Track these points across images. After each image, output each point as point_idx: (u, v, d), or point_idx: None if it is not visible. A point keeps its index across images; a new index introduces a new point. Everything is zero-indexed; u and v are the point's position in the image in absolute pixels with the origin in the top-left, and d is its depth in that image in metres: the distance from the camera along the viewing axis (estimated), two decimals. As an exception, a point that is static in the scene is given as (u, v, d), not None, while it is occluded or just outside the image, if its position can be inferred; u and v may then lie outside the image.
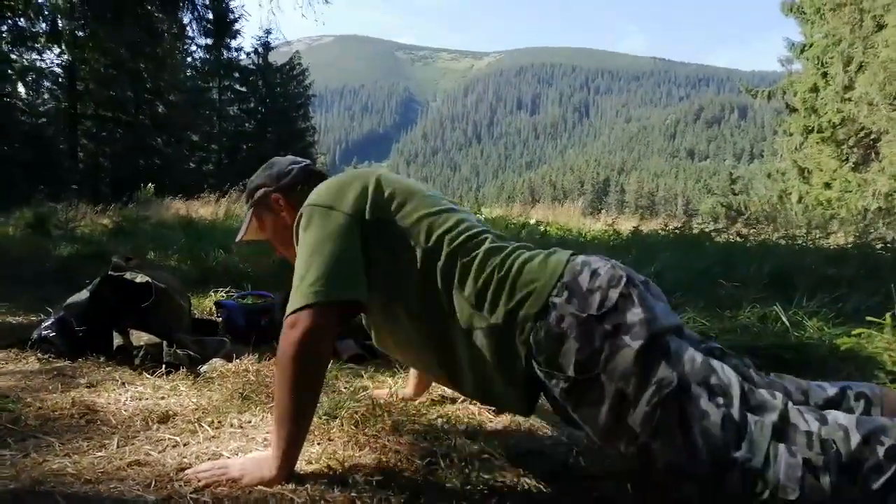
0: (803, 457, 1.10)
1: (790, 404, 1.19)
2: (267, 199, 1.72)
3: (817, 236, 7.04)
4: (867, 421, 1.14)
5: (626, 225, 11.25)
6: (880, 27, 14.30)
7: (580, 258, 1.36)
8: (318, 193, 1.48)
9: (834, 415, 1.17)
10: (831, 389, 1.30)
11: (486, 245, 1.40)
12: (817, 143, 17.52)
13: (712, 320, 3.02)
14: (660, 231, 7.96)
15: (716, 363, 1.23)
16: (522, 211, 15.21)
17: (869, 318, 2.71)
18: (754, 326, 2.92)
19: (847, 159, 16.77)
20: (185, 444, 1.59)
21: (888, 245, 5.40)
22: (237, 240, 1.86)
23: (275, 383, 1.33)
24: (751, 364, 1.35)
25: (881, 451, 1.09)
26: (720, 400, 1.17)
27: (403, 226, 1.42)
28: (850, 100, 15.81)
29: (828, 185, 17.17)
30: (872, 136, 15.55)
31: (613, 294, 1.26)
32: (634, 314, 1.24)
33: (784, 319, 2.88)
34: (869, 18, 14.81)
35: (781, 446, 1.12)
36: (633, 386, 1.19)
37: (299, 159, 1.80)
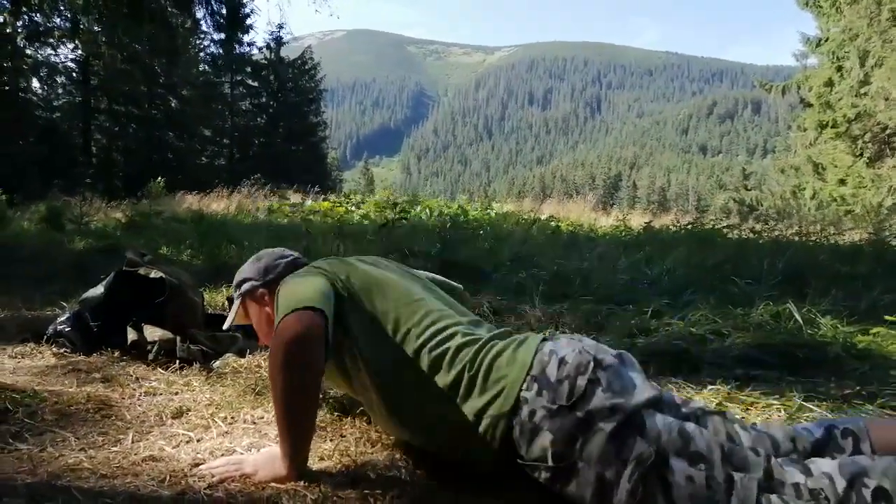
0: None
1: (773, 460, 1.22)
2: (254, 293, 1.76)
3: (831, 233, 6.98)
4: (849, 464, 1.18)
5: (638, 220, 11.21)
6: (897, 21, 14.11)
7: (548, 346, 1.39)
8: (295, 273, 1.60)
9: (818, 464, 1.21)
10: (818, 431, 1.33)
11: (457, 339, 1.42)
12: (832, 138, 17.31)
13: (725, 318, 3.00)
14: (671, 227, 7.93)
15: (693, 430, 1.26)
16: (533, 206, 15.18)
17: (888, 318, 2.69)
18: (767, 324, 2.89)
19: (862, 155, 16.56)
20: (198, 440, 1.61)
21: (904, 242, 5.34)
22: (225, 327, 1.92)
23: (271, 391, 1.35)
24: (735, 419, 1.38)
25: (867, 493, 1.14)
26: (702, 465, 1.20)
27: (373, 314, 1.48)
28: (865, 94, 15.62)
29: (842, 181, 16.97)
30: (888, 132, 15.35)
31: (581, 382, 1.28)
32: (604, 399, 1.26)
33: (797, 317, 2.85)
34: (886, 12, 14.61)
35: (774, 496, 1.16)
36: (612, 468, 1.22)
37: (287, 253, 1.84)
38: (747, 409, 1.94)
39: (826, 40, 17.69)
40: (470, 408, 1.34)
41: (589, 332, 2.89)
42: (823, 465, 1.19)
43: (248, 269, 1.81)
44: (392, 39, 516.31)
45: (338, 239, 6.48)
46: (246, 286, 1.77)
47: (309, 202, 14.01)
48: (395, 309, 1.48)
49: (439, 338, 1.43)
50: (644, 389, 1.31)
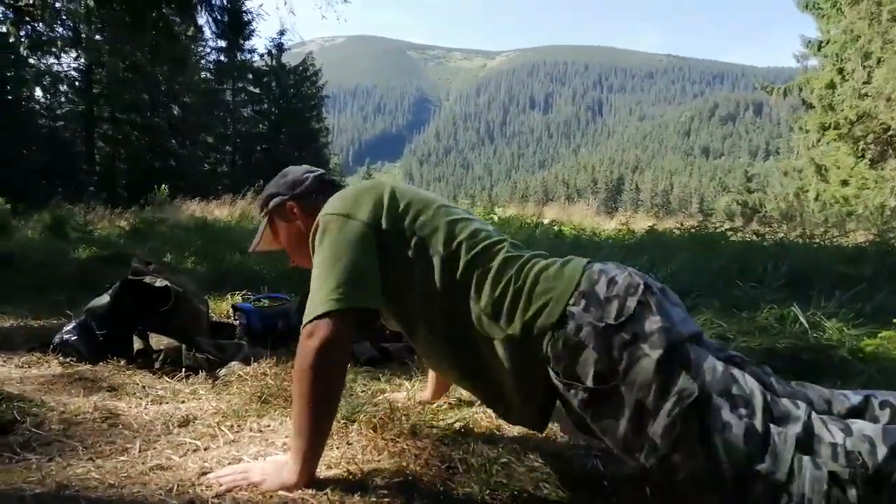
0: (829, 469, 1.08)
1: (814, 415, 1.17)
2: (282, 208, 1.71)
3: (835, 234, 6.97)
4: (894, 431, 1.11)
5: (641, 224, 11.19)
6: (898, 21, 14.11)
7: (597, 266, 1.36)
8: (334, 203, 1.48)
9: (859, 425, 1.14)
10: (855, 398, 1.26)
11: (503, 255, 1.40)
12: (834, 139, 17.29)
13: (729, 321, 3.00)
14: (675, 230, 7.92)
15: (737, 372, 1.22)
16: (536, 210, 15.18)
17: (895, 321, 2.68)
18: (772, 327, 2.89)
19: (864, 156, 16.54)
20: (205, 449, 1.61)
21: (908, 243, 5.33)
22: (250, 249, 1.86)
23: (293, 393, 1.34)
24: (771, 372, 1.33)
25: None
26: (742, 411, 1.15)
27: (421, 235, 1.42)
28: (867, 95, 15.61)
29: (845, 183, 16.95)
30: (890, 132, 15.33)
31: (631, 302, 1.25)
32: (653, 322, 1.22)
33: (802, 320, 2.85)
34: (886, 12, 14.61)
35: (806, 458, 1.10)
36: (652, 397, 1.18)
37: (314, 168, 1.80)
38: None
39: (827, 42, 17.70)
40: (517, 321, 1.31)
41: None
42: (865, 428, 1.12)
43: (273, 185, 1.76)
44: (393, 45, 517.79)
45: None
46: (274, 201, 1.72)
47: (312, 208, 14.04)
48: (446, 225, 1.43)
49: (487, 254, 1.39)
50: (689, 322, 1.28)
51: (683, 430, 1.15)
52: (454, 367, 1.47)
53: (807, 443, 1.12)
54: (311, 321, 1.31)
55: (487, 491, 1.40)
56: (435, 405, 1.95)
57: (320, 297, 1.33)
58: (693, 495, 1.18)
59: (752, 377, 1.24)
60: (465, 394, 2.04)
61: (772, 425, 1.14)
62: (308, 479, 1.34)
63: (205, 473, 1.41)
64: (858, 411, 1.24)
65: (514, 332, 1.31)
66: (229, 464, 1.49)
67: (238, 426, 1.78)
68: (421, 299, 1.42)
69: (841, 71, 16.99)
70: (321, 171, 1.80)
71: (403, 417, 1.76)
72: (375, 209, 1.44)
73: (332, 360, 1.30)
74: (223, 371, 2.33)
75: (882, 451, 1.08)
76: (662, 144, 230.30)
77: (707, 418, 1.15)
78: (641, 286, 1.28)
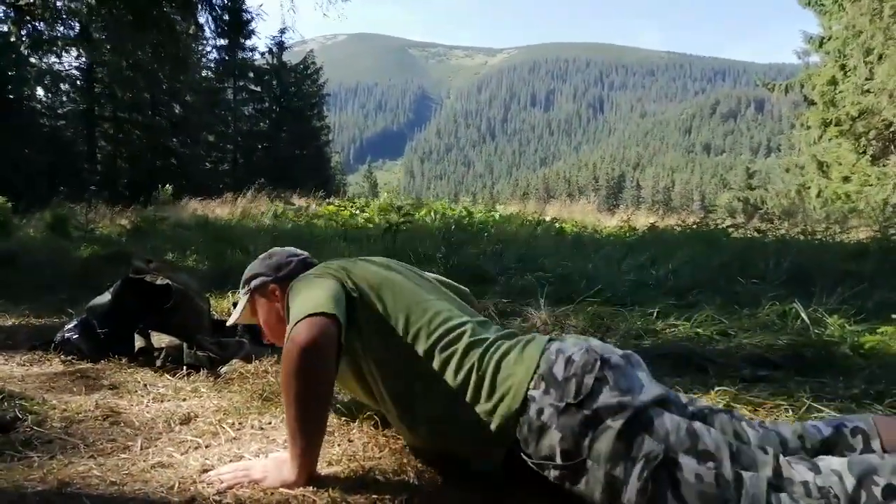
0: None
1: (781, 458, 1.22)
2: (264, 288, 1.76)
3: (837, 231, 6.96)
4: (859, 462, 1.17)
5: (642, 221, 11.19)
6: (900, 17, 14.06)
7: (555, 345, 1.40)
8: (306, 273, 1.60)
9: (826, 461, 1.20)
10: (826, 430, 1.32)
11: (465, 339, 1.44)
12: (836, 136, 17.25)
13: (731, 318, 3.00)
14: (676, 227, 7.91)
15: (700, 428, 1.26)
16: (537, 208, 15.18)
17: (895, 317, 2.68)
18: (774, 324, 2.89)
19: (866, 152, 16.51)
20: (207, 446, 1.61)
21: (910, 240, 5.31)
22: (228, 323, 1.91)
23: (283, 399, 1.35)
24: (741, 417, 1.38)
25: (877, 491, 1.13)
26: (711, 464, 1.20)
27: (384, 314, 1.49)
28: (869, 92, 15.57)
29: (846, 179, 16.90)
30: (893, 129, 15.29)
31: (589, 380, 1.29)
32: (612, 396, 1.27)
33: (804, 317, 2.85)
34: (888, 8, 14.56)
35: (783, 495, 1.15)
36: (621, 466, 1.22)
37: (298, 252, 1.85)
38: (755, 409, 1.93)
39: (829, 38, 17.65)
40: (480, 408, 1.35)
41: (595, 333, 2.88)
42: (832, 463, 1.19)
43: (258, 266, 1.81)
44: (394, 43, 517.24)
45: (343, 243, 6.50)
46: (256, 281, 1.77)
47: (313, 206, 14.06)
48: (406, 309, 1.49)
49: (448, 338, 1.44)
50: (651, 388, 1.31)
51: (655, 490, 1.19)
52: (416, 435, 1.51)
53: (778, 484, 1.17)
54: (292, 327, 1.33)
55: (489, 485, 1.40)
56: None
57: (300, 309, 1.36)
58: None
59: (719, 428, 1.30)
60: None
61: (742, 471, 1.19)
62: (308, 476, 1.35)
63: (206, 471, 1.42)
64: (832, 443, 1.30)
65: (478, 417, 1.36)
66: (231, 461, 1.49)
67: (239, 423, 1.79)
68: (382, 367, 1.48)
69: (843, 67, 16.94)
70: (305, 254, 1.85)
71: (405, 414, 1.76)
72: (342, 279, 1.53)
73: (317, 359, 1.31)
74: (225, 369, 2.33)
75: (851, 482, 1.14)
76: (664, 141, 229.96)
77: (677, 474, 1.19)
78: (598, 362, 1.32)
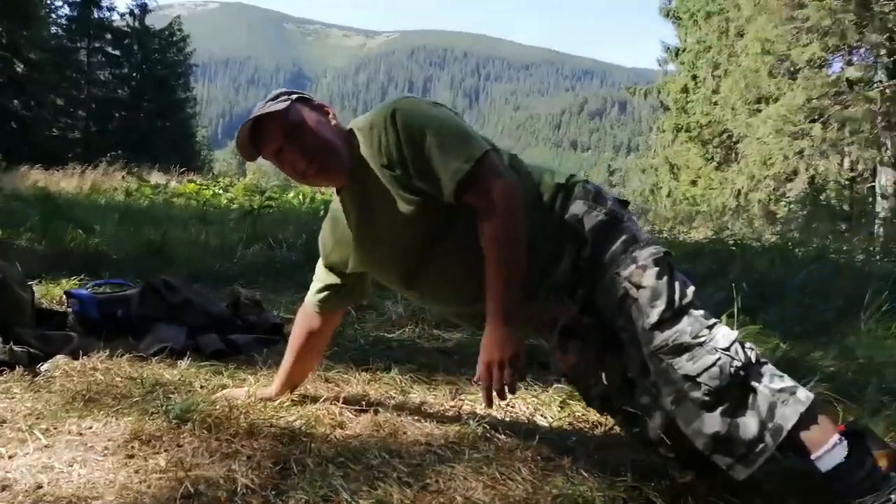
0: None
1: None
2: (310, 101, 1.61)
3: (682, 231, 7.54)
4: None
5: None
6: (742, 37, 15.44)
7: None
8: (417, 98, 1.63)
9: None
10: None
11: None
12: (686, 141, 18.76)
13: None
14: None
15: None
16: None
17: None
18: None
19: (712, 158, 18.08)
20: (10, 457, 1.45)
21: (738, 241, 5.83)
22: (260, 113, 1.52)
23: (500, 243, 1.39)
24: None
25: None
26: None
27: None
28: (716, 103, 17.01)
29: (694, 182, 18.44)
30: (734, 139, 16.82)
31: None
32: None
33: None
34: (733, 28, 15.94)
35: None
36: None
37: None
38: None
39: (683, 50, 19.10)
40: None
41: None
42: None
43: (273, 104, 1.53)
44: (269, 16, 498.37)
45: (201, 224, 6.15)
46: (296, 95, 1.58)
47: (174, 183, 13.22)
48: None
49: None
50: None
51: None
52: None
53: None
54: (481, 157, 1.41)
55: (321, 492, 1.37)
56: (277, 402, 1.86)
57: (475, 145, 1.44)
58: None
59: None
60: (309, 389, 1.99)
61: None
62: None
63: (6, 487, 1.28)
64: None
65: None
66: (38, 472, 1.35)
67: (54, 429, 1.63)
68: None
69: (694, 78, 18.41)
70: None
71: (242, 416, 1.69)
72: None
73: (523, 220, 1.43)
74: (46, 366, 2.12)
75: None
76: (535, 135, 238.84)
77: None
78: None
